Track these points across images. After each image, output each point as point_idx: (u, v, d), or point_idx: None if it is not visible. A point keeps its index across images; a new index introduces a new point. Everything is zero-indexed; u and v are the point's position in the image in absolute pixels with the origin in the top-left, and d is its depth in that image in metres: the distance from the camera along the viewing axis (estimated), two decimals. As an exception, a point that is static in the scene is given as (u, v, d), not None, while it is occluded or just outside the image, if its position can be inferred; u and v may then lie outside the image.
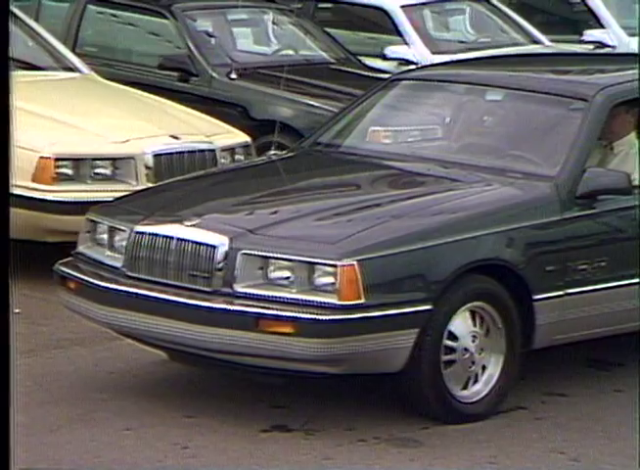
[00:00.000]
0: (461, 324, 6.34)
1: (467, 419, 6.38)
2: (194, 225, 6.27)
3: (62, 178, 8.33)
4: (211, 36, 10.95)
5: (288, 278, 6.14)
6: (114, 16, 11.18)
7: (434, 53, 11.68)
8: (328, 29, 11.69)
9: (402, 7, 12.02)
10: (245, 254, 6.06)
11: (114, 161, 8.46)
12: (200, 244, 6.16)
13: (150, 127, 8.86)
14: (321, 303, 6.04)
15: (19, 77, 9.31)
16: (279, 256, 6.12)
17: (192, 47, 10.63)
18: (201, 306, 6.09)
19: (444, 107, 7.87)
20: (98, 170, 8.44)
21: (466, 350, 6.33)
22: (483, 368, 6.43)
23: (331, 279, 6.08)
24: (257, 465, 5.96)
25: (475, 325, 6.40)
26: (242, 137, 9.05)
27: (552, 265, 6.47)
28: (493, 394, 6.46)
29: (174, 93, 9.72)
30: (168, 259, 6.23)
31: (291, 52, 11.28)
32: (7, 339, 3.29)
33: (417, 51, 11.67)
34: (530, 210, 6.58)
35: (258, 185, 7.28)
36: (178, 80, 10.34)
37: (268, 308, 6.02)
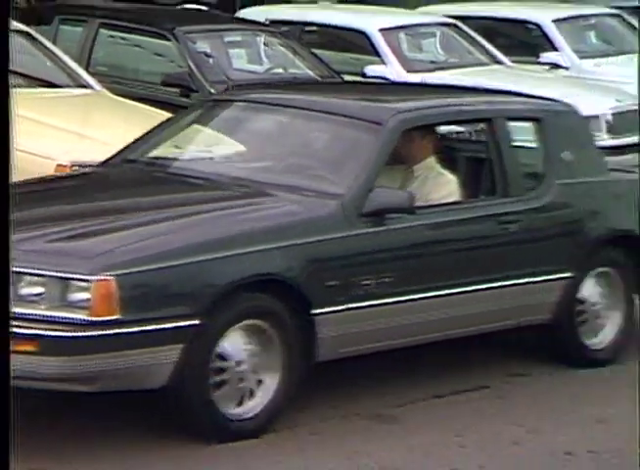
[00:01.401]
0: (234, 342, 5.78)
1: (240, 436, 5.82)
2: None
3: None
4: (209, 56, 10.95)
5: (40, 294, 5.43)
6: (123, 39, 11.26)
7: (408, 71, 11.70)
8: (314, 50, 11.70)
9: (380, 30, 12.08)
10: None
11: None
12: None
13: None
14: (71, 319, 5.37)
15: (37, 94, 9.43)
16: (30, 271, 5.39)
17: (192, 66, 10.62)
18: None
19: (253, 127, 7.33)
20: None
21: (239, 367, 5.79)
22: (260, 383, 5.90)
23: (85, 295, 5.40)
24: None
25: (250, 342, 5.85)
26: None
27: (334, 280, 5.98)
28: (270, 409, 5.92)
29: (176, 107, 9.73)
30: None
31: (280, 70, 11.25)
32: (7, 339, 3.02)
33: (393, 70, 11.68)
34: (315, 226, 6.11)
35: (43, 199, 6.72)
36: (180, 96, 10.34)
37: (17, 327, 5.05)
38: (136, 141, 7.15)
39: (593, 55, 13.10)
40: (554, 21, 13.33)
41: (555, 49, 12.92)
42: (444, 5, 14.61)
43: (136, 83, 10.44)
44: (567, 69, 12.57)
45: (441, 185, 6.78)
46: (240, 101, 7.61)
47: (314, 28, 12.47)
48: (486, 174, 6.89)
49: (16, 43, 9.52)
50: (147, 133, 7.25)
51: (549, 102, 7.74)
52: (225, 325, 5.70)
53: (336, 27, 12.44)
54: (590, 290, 6.97)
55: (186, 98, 10.27)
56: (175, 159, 7.19)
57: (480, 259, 6.58)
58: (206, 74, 10.57)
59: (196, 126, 7.49)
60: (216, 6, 16.24)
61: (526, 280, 6.64)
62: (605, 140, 11.00)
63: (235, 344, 5.78)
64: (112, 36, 11.17)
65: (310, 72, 11.18)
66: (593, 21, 13.84)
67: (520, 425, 6.24)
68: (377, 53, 11.88)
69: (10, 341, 2.93)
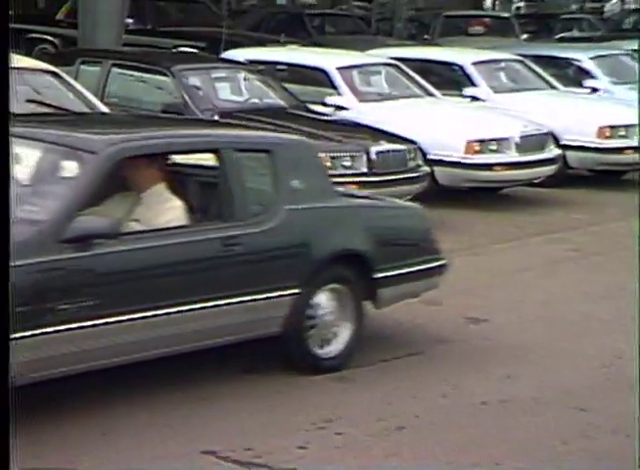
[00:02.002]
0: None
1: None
2: None
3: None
4: (199, 89, 10.91)
5: None
6: (130, 75, 11.24)
7: (360, 101, 11.77)
8: (284, 84, 11.72)
9: (337, 68, 12.08)
10: None
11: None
12: None
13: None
14: None
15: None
16: None
17: (186, 97, 10.58)
18: None
19: None
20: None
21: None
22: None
23: None
24: (231, 400, 5.84)
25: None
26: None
27: (25, 306, 4.92)
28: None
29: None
30: None
31: (257, 100, 11.26)
32: (7, 338, 2.74)
33: (348, 100, 11.72)
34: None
35: None
36: (176, 120, 10.38)
37: None
38: None
39: (504, 90, 13.27)
40: (473, 63, 13.51)
41: (474, 85, 13.12)
42: (388, 49, 14.72)
43: (141, 111, 10.34)
44: (484, 100, 12.78)
45: (167, 210, 6.07)
46: None
47: (284, 67, 12.49)
48: (215, 200, 6.27)
49: (45, 81, 9.71)
50: None
51: (283, 136, 7.23)
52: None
53: (301, 66, 12.42)
54: (321, 304, 6.34)
55: (181, 122, 10.35)
56: None
57: (204, 279, 5.86)
58: (197, 104, 10.53)
59: None
60: (205, 49, 16.34)
61: (253, 297, 6.00)
62: (515, 157, 11.35)
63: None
64: (121, 74, 11.12)
65: (281, 102, 11.19)
66: (503, 64, 14.02)
67: (446, 382, 6.25)
68: (334, 87, 11.89)
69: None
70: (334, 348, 6.43)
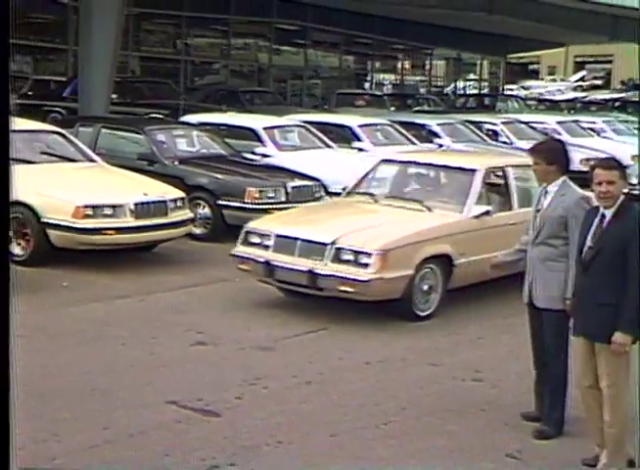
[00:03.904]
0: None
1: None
2: None
3: (87, 216, 8.05)
4: (164, 143, 10.77)
5: None
6: (115, 134, 11.03)
7: (279, 151, 11.71)
8: (225, 139, 11.63)
9: (264, 128, 12.14)
10: None
11: (114, 207, 8.19)
12: None
13: (133, 189, 8.66)
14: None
15: (65, 166, 9.27)
16: None
17: (154, 149, 10.47)
18: None
19: None
20: (105, 212, 8.11)
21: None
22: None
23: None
24: (186, 365, 5.65)
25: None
26: (181, 194, 8.90)
27: None
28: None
29: (146, 172, 9.64)
30: None
31: (205, 150, 11.11)
32: (7, 339, 2.16)
33: (270, 150, 11.68)
34: None
35: None
36: (148, 165, 10.22)
37: None
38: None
39: (381, 144, 13.04)
40: (359, 125, 13.61)
41: (360, 140, 13.17)
42: (298, 115, 14.68)
43: (122, 159, 10.20)
44: (367, 151, 12.73)
45: None
46: None
47: (225, 127, 12.46)
48: None
49: (54, 139, 9.60)
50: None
51: None
52: None
53: (238, 127, 12.29)
54: None
55: (151, 166, 10.18)
56: None
57: None
58: (163, 153, 10.44)
59: None
60: (168, 115, 16.30)
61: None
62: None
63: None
64: (108, 133, 10.93)
65: (223, 151, 11.08)
66: (379, 127, 14.02)
67: (342, 349, 6.15)
68: (261, 141, 11.88)
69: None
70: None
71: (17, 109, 13.26)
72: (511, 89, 38.23)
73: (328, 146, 12.48)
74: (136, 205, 8.30)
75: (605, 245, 3.98)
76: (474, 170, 7.46)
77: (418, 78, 34.84)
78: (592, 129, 18.91)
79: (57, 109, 18.09)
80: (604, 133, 18.89)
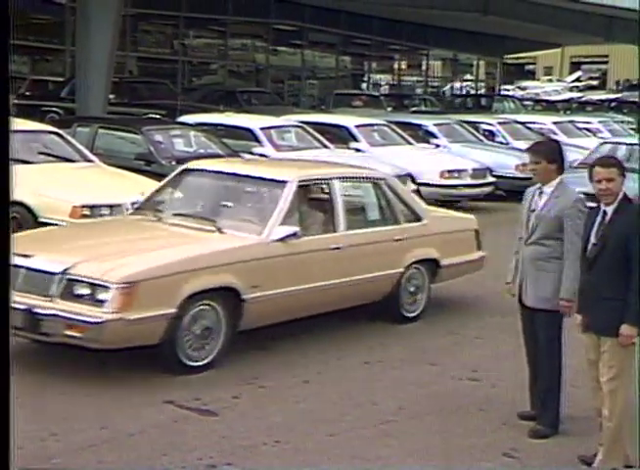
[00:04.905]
0: None
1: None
2: None
3: (84, 216, 7.99)
4: (161, 143, 10.75)
5: None
6: (112, 134, 11.02)
7: (276, 151, 11.71)
8: (223, 139, 11.60)
9: (261, 128, 12.16)
10: None
11: (111, 207, 8.15)
12: None
13: (130, 189, 8.45)
14: None
15: (63, 166, 9.26)
16: None
17: (151, 149, 10.46)
18: None
19: None
20: (102, 212, 8.06)
21: None
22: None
23: None
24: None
25: None
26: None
27: None
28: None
29: (144, 173, 9.64)
30: None
31: (202, 150, 11.06)
32: (7, 339, 2.12)
33: (268, 150, 11.67)
34: None
35: None
36: (145, 165, 10.21)
37: None
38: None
39: (378, 145, 13.22)
40: (356, 126, 13.61)
41: (357, 141, 13.17)
42: (295, 115, 14.70)
43: (119, 159, 10.20)
44: (364, 152, 12.76)
45: None
46: None
47: (223, 127, 12.46)
48: None
49: (52, 139, 9.59)
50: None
51: None
52: None
53: (235, 127, 12.30)
54: None
55: (149, 166, 10.18)
56: None
57: None
58: (160, 153, 10.44)
59: None
60: (165, 115, 16.26)
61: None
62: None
63: None
64: (105, 133, 10.92)
65: (220, 152, 11.05)
66: (376, 127, 14.06)
67: (340, 349, 6.13)
68: (258, 141, 11.89)
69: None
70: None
71: (14, 109, 13.28)
72: (507, 89, 38.35)
73: (325, 146, 12.48)
74: (133, 204, 8.26)
75: (608, 241, 4.02)
76: (283, 182, 5.92)
77: (415, 79, 34.87)
78: (588, 130, 18.99)
79: (54, 109, 18.07)
80: (600, 134, 18.95)
